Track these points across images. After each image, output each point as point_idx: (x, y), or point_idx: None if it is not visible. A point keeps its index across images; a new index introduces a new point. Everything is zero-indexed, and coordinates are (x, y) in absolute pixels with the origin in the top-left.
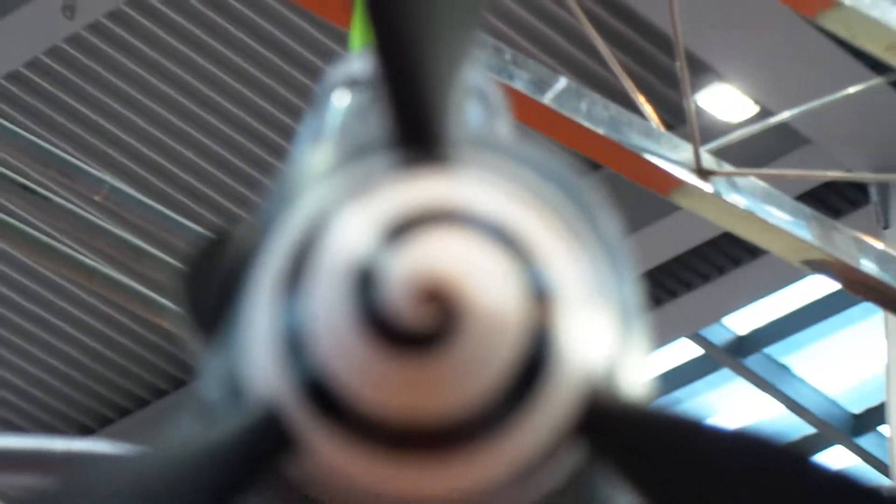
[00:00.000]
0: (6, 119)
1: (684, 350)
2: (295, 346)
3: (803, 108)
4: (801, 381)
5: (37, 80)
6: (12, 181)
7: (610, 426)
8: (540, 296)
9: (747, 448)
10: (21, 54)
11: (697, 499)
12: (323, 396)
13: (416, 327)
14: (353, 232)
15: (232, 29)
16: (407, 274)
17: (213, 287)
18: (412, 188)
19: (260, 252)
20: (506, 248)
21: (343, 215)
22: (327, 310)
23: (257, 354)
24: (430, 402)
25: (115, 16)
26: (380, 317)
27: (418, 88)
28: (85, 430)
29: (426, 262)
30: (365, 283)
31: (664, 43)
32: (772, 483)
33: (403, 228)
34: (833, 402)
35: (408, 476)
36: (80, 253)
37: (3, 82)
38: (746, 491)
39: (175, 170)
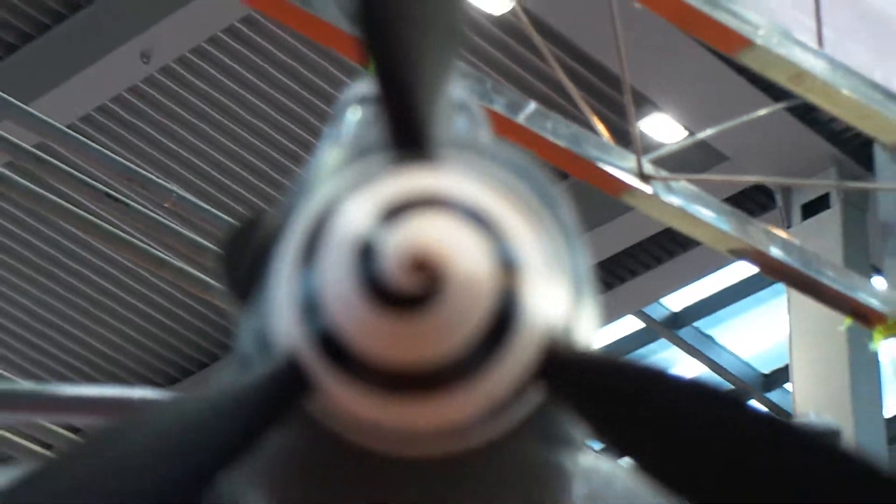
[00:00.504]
0: (96, 142)
1: (630, 324)
2: (310, 306)
3: (721, 127)
4: (722, 347)
5: (120, 111)
6: (99, 190)
7: (566, 372)
8: (508, 266)
9: (681, 386)
10: (108, 91)
11: (642, 430)
12: (332, 348)
13: (407, 291)
14: (355, 214)
15: (272, 69)
16: (399, 248)
17: (246, 261)
18: (404, 180)
19: (282, 232)
20: (480, 228)
21: (348, 201)
22: (335, 277)
23: (280, 314)
24: (419, 352)
25: (183, 61)
26: (377, 283)
27: (409, 100)
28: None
29: (415, 239)
30: (365, 255)
31: (614, 80)
32: (705, 416)
33: (397, 211)
34: (747, 364)
35: (401, 412)
36: (151, 247)
37: (94, 113)
38: (682, 422)
39: (227, 181)
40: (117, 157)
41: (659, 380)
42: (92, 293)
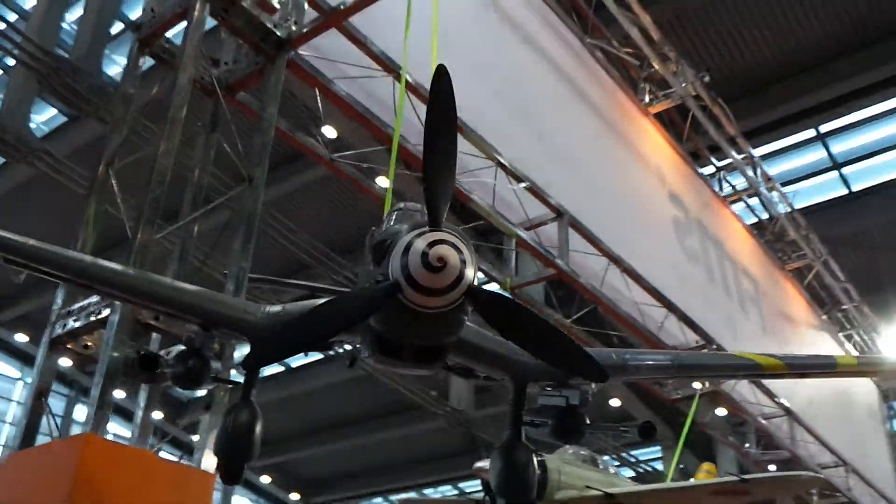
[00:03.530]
0: None
1: None
2: (405, 267)
3: None
4: None
5: None
6: None
7: (480, 299)
8: (462, 261)
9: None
10: None
11: (495, 313)
12: (410, 280)
13: (435, 266)
14: (420, 241)
15: None
16: (434, 253)
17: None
18: (433, 233)
19: (395, 245)
20: (455, 249)
21: (419, 237)
22: (415, 260)
23: (395, 268)
24: (437, 283)
25: None
26: (427, 263)
27: (436, 204)
28: None
29: (439, 251)
30: (424, 254)
31: None
32: (513, 309)
33: (433, 243)
34: None
35: (428, 300)
36: None
37: None
38: (508, 312)
39: None
40: None
41: (501, 297)
42: None
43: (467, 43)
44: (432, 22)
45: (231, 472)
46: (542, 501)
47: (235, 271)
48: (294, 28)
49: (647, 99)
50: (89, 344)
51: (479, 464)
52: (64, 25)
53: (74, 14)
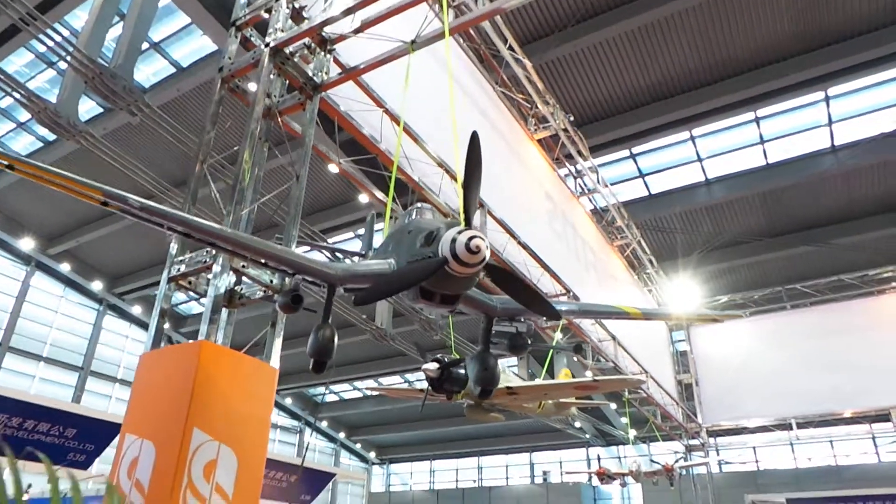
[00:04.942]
0: None
1: None
2: (452, 250)
3: None
4: None
5: None
6: None
7: (490, 268)
8: (486, 248)
9: (512, 276)
10: None
11: (520, 288)
12: (456, 257)
13: (474, 250)
14: (463, 236)
15: None
16: (472, 242)
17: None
18: (470, 231)
19: (441, 236)
20: (482, 240)
21: (460, 234)
22: (461, 246)
23: (444, 248)
24: (474, 260)
25: None
26: (469, 248)
27: (469, 207)
28: None
29: (476, 242)
30: (467, 243)
31: None
32: (511, 276)
33: (472, 237)
34: None
35: (466, 269)
36: None
37: None
38: (509, 276)
39: None
40: None
41: (507, 273)
42: None
43: (422, 85)
44: (405, 78)
45: (318, 367)
46: (466, 392)
47: (287, 238)
48: (325, 77)
49: (533, 129)
50: (192, 280)
51: (425, 366)
52: (106, 42)
53: (114, 33)
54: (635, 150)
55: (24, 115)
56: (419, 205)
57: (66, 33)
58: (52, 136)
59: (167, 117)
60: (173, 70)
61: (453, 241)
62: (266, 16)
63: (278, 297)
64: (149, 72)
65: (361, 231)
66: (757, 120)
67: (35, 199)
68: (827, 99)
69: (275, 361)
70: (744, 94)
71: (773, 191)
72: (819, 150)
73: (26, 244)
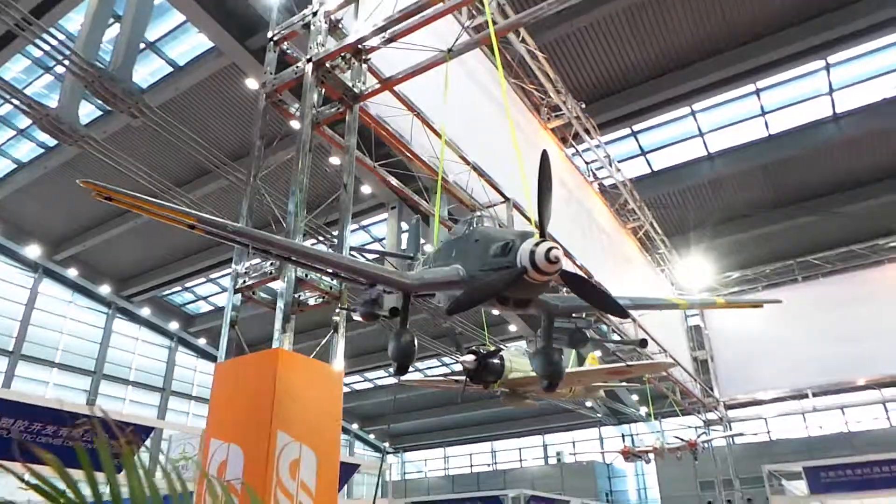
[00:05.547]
0: None
1: None
2: (531, 261)
3: None
4: None
5: None
6: None
7: (566, 276)
8: (562, 258)
9: (585, 280)
10: None
11: (580, 287)
12: (535, 266)
13: (553, 260)
14: (542, 247)
15: None
16: (550, 252)
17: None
18: (548, 242)
19: (518, 248)
20: (557, 251)
21: (538, 245)
22: (541, 257)
23: (523, 259)
24: (552, 269)
25: None
26: (548, 258)
27: (543, 220)
28: None
29: (554, 252)
30: (547, 254)
31: None
32: (588, 284)
33: (550, 248)
34: None
35: (542, 276)
36: None
37: None
38: (586, 285)
39: None
40: None
41: (580, 277)
42: None
43: (451, 87)
44: (444, 86)
45: (401, 369)
46: (501, 380)
47: (341, 242)
48: (363, 87)
49: (546, 118)
50: (255, 291)
51: (463, 357)
52: (102, 44)
53: (110, 35)
54: (636, 127)
55: (23, 122)
56: (478, 213)
57: (61, 37)
58: (52, 142)
59: (167, 117)
60: (170, 69)
61: (532, 252)
62: (301, 31)
63: (359, 307)
64: (145, 72)
65: (365, 223)
66: (757, 92)
67: (38, 206)
68: (827, 67)
69: (338, 364)
70: (743, 65)
71: (776, 162)
72: (821, 118)
73: (32, 251)
